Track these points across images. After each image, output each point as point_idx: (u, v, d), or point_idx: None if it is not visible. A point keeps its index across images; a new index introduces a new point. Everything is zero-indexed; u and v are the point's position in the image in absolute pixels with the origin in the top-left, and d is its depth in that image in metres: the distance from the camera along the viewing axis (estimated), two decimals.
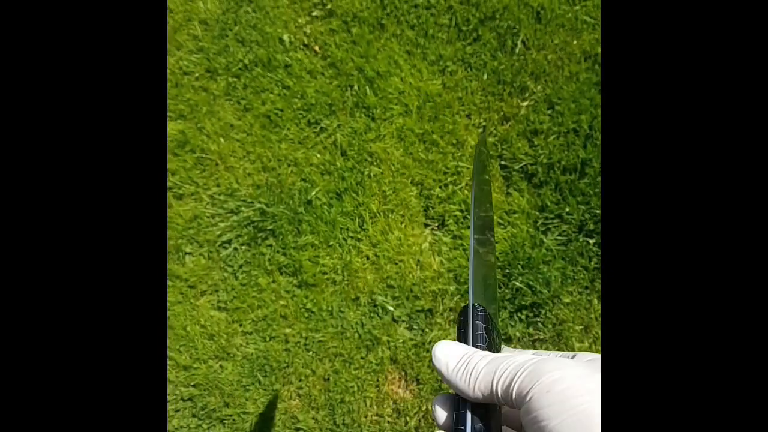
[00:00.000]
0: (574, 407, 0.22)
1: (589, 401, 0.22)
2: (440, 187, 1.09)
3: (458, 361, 0.28)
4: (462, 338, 0.31)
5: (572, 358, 0.28)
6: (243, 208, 1.15)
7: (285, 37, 1.23)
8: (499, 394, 0.25)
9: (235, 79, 1.23)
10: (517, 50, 1.12)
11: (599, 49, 1.09)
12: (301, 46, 1.22)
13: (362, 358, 1.05)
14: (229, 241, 1.15)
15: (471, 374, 0.27)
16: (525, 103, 1.10)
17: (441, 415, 0.29)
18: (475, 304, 0.32)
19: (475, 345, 0.30)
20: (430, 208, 1.09)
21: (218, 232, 1.15)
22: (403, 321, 1.06)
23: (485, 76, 1.12)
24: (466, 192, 1.08)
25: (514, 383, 0.25)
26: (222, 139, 1.20)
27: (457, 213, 1.08)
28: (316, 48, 1.22)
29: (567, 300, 0.99)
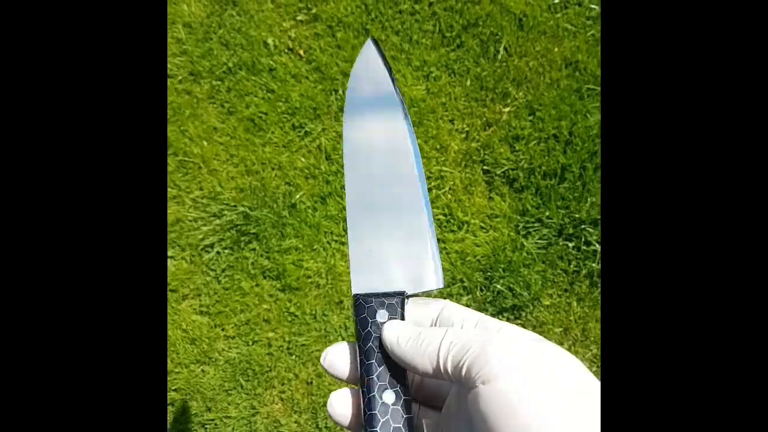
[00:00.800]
0: (518, 415, 0.22)
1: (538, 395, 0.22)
2: None
3: (410, 334, 0.27)
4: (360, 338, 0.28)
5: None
6: (226, 212, 1.15)
7: (269, 40, 1.23)
8: (449, 369, 0.25)
9: (218, 83, 1.22)
10: (499, 57, 1.14)
11: (580, 57, 1.11)
12: (286, 50, 1.22)
13: None
14: (212, 245, 1.14)
15: (421, 345, 0.26)
16: (507, 109, 1.12)
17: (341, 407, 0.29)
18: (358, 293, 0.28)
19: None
20: None
21: (201, 236, 1.14)
22: None
23: (468, 82, 1.14)
24: (449, 196, 1.09)
25: (464, 361, 0.24)
26: (205, 143, 1.19)
27: (440, 217, 1.09)
28: (301, 52, 1.22)
29: (547, 302, 1.01)
